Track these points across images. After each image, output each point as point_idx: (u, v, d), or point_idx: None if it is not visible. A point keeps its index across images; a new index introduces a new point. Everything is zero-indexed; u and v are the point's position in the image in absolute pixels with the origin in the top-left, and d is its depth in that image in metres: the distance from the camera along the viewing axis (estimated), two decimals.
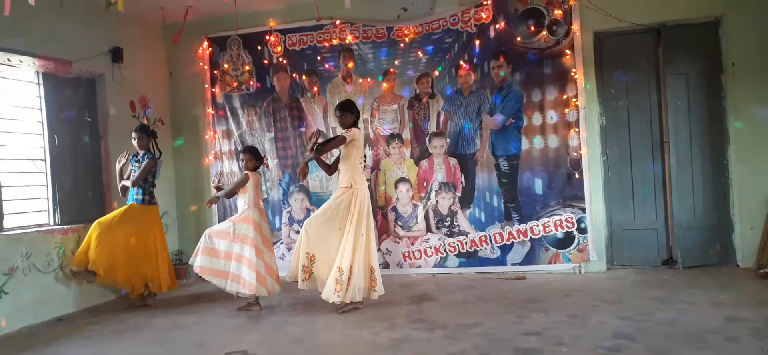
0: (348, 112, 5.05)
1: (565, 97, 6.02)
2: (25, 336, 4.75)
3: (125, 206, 5.51)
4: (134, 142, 5.55)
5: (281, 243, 6.81)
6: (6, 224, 4.98)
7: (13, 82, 5.27)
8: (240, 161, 5.51)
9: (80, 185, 5.90)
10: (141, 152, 5.54)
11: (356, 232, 4.84)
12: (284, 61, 6.78)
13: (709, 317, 4.14)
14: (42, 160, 5.52)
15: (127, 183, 5.53)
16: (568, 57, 6.00)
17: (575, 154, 6.00)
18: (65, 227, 5.53)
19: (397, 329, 4.32)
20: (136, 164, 5.54)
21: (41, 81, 5.51)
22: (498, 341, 3.90)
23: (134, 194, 5.51)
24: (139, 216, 5.49)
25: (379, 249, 6.52)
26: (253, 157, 5.30)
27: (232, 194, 5.36)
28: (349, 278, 4.76)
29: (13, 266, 4.91)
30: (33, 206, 5.41)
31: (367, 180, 6.54)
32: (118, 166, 5.63)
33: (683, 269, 5.80)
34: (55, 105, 5.64)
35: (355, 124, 5.06)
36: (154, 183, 5.67)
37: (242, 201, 5.22)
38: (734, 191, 5.84)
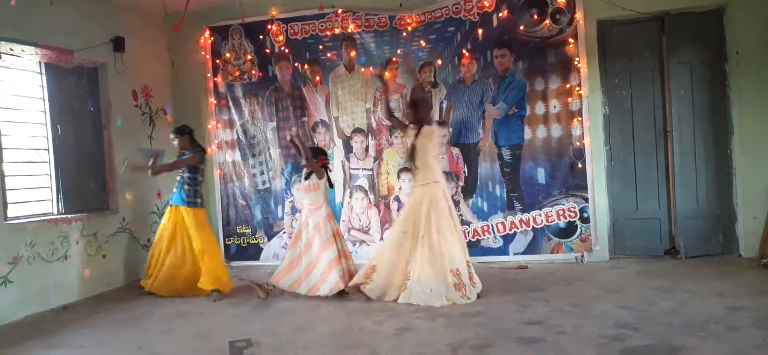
0: (411, 105, 5.05)
1: (568, 86, 5.99)
2: (30, 324, 4.79)
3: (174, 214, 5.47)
4: (174, 143, 5.54)
5: (284, 233, 6.82)
6: (10, 213, 5.00)
7: (16, 72, 5.27)
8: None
9: (83, 174, 5.92)
10: (185, 152, 5.52)
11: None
12: (286, 51, 6.76)
13: (711, 307, 4.15)
14: (45, 149, 5.53)
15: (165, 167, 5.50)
16: (571, 46, 5.97)
17: (578, 143, 5.99)
18: (69, 215, 5.55)
19: (400, 318, 4.34)
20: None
21: (43, 71, 5.51)
22: (500, 330, 3.92)
23: (184, 196, 5.41)
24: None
25: (381, 239, 6.54)
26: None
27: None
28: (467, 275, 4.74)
29: (17, 255, 4.93)
30: (37, 195, 5.43)
31: (370, 169, 6.58)
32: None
33: (686, 259, 5.80)
34: (57, 95, 5.64)
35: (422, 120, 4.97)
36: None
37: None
38: (737, 180, 5.83)
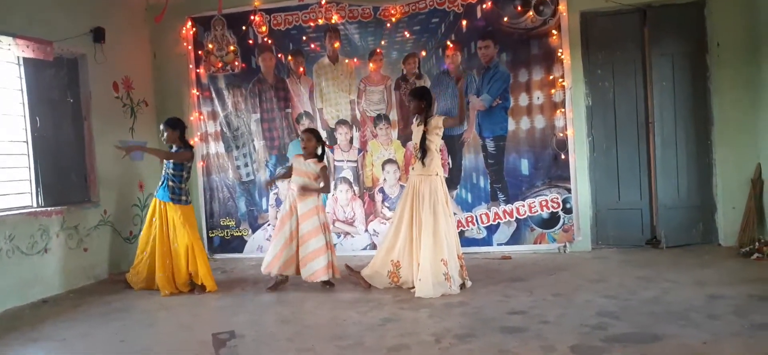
0: (415, 99, 4.89)
1: (551, 77, 6.02)
2: (10, 318, 4.72)
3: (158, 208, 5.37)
4: (163, 137, 5.42)
5: (268, 225, 6.78)
6: None
7: None
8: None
9: (63, 167, 5.83)
10: (173, 147, 5.39)
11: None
12: (269, 42, 6.71)
13: (691, 296, 4.21)
14: (24, 142, 5.43)
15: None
16: (554, 37, 6.00)
17: (561, 134, 6.03)
18: (49, 208, 5.47)
19: (384, 309, 4.35)
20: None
21: (22, 62, 5.40)
22: (483, 319, 3.94)
23: (169, 194, 5.29)
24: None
25: (366, 230, 6.54)
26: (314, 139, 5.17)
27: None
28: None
29: None
30: (15, 188, 5.34)
31: (355, 161, 6.57)
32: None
33: (667, 249, 5.87)
34: (36, 86, 5.54)
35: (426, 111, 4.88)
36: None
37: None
38: (717, 171, 5.91)
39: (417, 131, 4.89)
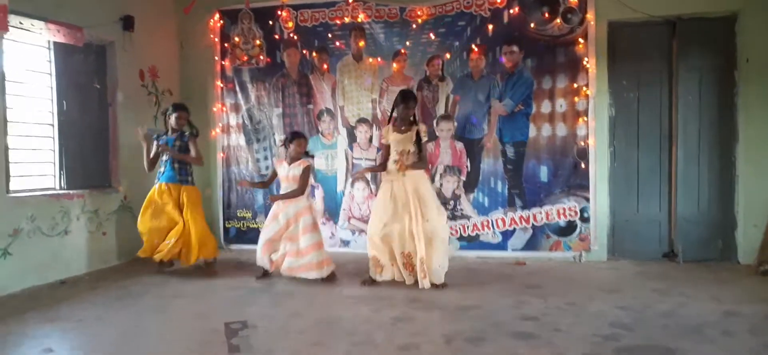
0: (415, 103, 5.07)
1: (575, 85, 5.98)
2: (28, 297, 4.82)
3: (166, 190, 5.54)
4: (171, 120, 5.56)
5: None
6: (12, 186, 5.03)
7: (24, 46, 5.28)
8: (288, 146, 5.34)
9: (87, 152, 5.94)
10: (176, 131, 5.57)
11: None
12: (295, 38, 6.76)
13: (707, 311, 4.15)
14: (50, 124, 5.55)
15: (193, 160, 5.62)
16: (581, 46, 5.95)
17: (582, 143, 5.98)
18: (71, 191, 5.58)
19: (397, 308, 4.35)
20: (174, 145, 5.54)
21: (52, 46, 5.52)
22: (495, 324, 3.92)
23: (177, 176, 5.52)
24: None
25: None
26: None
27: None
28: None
29: (17, 228, 4.96)
30: (39, 170, 5.45)
31: (373, 160, 6.59)
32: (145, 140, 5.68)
33: (683, 263, 5.79)
34: (64, 71, 5.66)
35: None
36: None
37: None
38: (740, 188, 5.81)
39: (404, 136, 4.97)
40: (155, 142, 5.65)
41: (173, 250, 5.50)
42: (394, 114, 5.09)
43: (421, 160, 5.02)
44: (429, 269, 4.89)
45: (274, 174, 5.47)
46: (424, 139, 5.05)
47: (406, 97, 5.00)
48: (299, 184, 5.21)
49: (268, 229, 5.33)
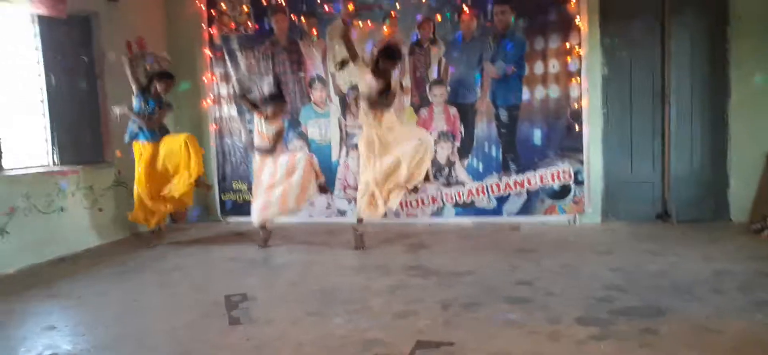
0: (394, 59, 5.05)
1: (567, 45, 5.94)
2: (27, 275, 4.85)
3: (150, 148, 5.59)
4: (159, 87, 5.55)
5: None
6: (6, 164, 5.00)
7: (9, 20, 5.18)
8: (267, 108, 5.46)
9: (78, 126, 5.89)
10: (158, 96, 5.60)
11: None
12: (283, 3, 6.64)
13: (698, 271, 4.22)
14: (40, 100, 5.49)
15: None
16: (572, 4, 5.88)
17: (576, 105, 5.97)
18: (64, 167, 5.56)
19: (392, 275, 4.41)
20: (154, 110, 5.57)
21: (36, 20, 5.42)
22: (490, 288, 3.99)
23: (158, 134, 5.61)
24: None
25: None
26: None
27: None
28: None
29: (13, 206, 4.96)
30: (32, 146, 5.42)
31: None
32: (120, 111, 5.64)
33: (677, 223, 5.85)
34: (50, 45, 5.57)
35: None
36: None
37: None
38: (732, 145, 5.83)
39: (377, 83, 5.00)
40: (138, 99, 5.59)
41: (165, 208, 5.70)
42: (380, 65, 5.02)
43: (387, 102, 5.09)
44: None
45: (254, 106, 5.55)
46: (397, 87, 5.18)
47: (391, 55, 4.99)
48: (272, 143, 5.40)
49: (258, 189, 5.49)
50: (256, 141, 5.46)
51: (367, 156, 5.16)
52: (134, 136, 5.57)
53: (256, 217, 5.51)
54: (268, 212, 5.44)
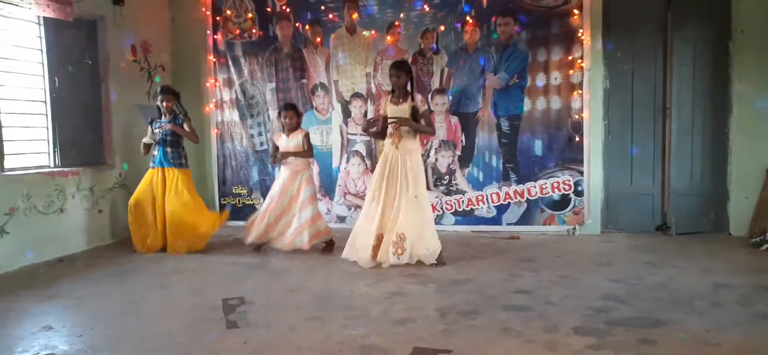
0: (405, 73, 4.91)
1: (570, 58, 5.97)
2: (26, 275, 4.85)
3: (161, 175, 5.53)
4: (161, 104, 5.52)
5: None
6: (6, 164, 5.01)
7: (14, 21, 5.21)
8: (281, 119, 5.51)
9: (80, 128, 5.91)
10: (167, 115, 5.53)
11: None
12: (287, 10, 6.69)
13: (697, 283, 4.21)
14: (42, 101, 5.51)
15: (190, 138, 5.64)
16: (575, 17, 5.92)
17: (577, 116, 5.99)
18: (66, 169, 5.57)
19: (391, 282, 4.41)
20: (161, 128, 5.51)
21: (42, 22, 5.45)
22: (488, 297, 3.98)
23: (170, 159, 5.51)
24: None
25: None
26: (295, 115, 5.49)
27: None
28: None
29: (14, 206, 4.97)
30: (33, 147, 5.43)
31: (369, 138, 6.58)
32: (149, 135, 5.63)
33: (676, 236, 5.85)
34: (55, 47, 5.59)
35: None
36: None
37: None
38: (732, 159, 5.85)
39: (399, 108, 4.87)
40: (150, 128, 5.61)
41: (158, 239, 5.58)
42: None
43: (421, 131, 4.92)
44: (420, 255, 4.84)
45: (275, 148, 5.53)
46: (423, 108, 4.88)
47: (394, 66, 4.94)
48: (304, 150, 5.39)
49: (270, 203, 5.47)
50: (290, 160, 5.42)
51: (371, 181, 5.10)
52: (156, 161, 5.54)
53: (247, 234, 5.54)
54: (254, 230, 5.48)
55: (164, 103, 5.53)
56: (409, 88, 4.94)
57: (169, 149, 5.52)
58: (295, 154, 5.37)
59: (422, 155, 5.24)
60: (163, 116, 5.59)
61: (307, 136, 5.48)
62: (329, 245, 5.46)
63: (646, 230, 6.07)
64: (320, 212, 5.60)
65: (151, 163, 5.59)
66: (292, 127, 5.43)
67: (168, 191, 5.51)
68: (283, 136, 5.47)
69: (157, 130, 5.54)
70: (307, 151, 5.45)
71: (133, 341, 3.34)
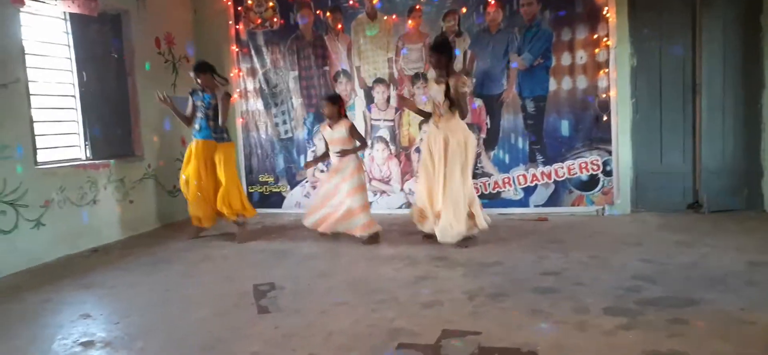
0: (438, 53, 4.86)
1: (595, 36, 5.86)
2: (63, 265, 4.98)
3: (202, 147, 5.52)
4: (200, 82, 5.48)
5: (306, 181, 6.91)
6: (40, 158, 5.13)
7: (42, 18, 5.32)
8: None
9: (109, 121, 6.02)
10: (204, 91, 5.50)
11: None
12: None
13: (731, 261, 4.13)
14: (72, 96, 5.62)
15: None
16: None
17: (604, 95, 5.90)
18: (96, 162, 5.69)
19: (419, 266, 4.42)
20: (210, 103, 5.48)
21: (68, 17, 5.55)
22: (516, 279, 3.96)
23: (212, 133, 5.49)
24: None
25: (402, 189, 6.59)
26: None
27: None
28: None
29: (49, 199, 5.09)
30: (65, 141, 5.56)
31: (391, 120, 6.58)
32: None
33: (708, 214, 5.74)
34: (82, 42, 5.70)
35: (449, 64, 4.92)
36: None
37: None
38: (766, 135, 5.70)
39: (438, 88, 4.86)
40: (191, 98, 5.60)
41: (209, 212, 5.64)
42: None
43: (453, 111, 4.86)
44: (439, 227, 4.87)
45: (326, 143, 5.45)
46: (462, 89, 4.80)
47: (432, 47, 4.95)
48: (355, 139, 5.26)
49: (323, 188, 5.43)
50: (332, 150, 5.32)
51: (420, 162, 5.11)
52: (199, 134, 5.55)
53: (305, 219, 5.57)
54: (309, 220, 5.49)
55: (198, 81, 5.49)
56: (448, 66, 4.88)
57: (211, 123, 5.48)
58: (344, 152, 5.19)
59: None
60: (198, 92, 5.57)
61: (351, 127, 5.25)
62: (373, 238, 5.27)
63: (677, 209, 5.96)
64: (368, 204, 5.41)
65: (193, 136, 5.57)
66: (332, 117, 5.25)
67: (217, 164, 5.52)
68: (328, 128, 5.32)
69: (198, 104, 5.53)
70: (356, 142, 5.26)
71: (167, 328, 3.41)
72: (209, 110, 5.47)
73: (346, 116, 5.39)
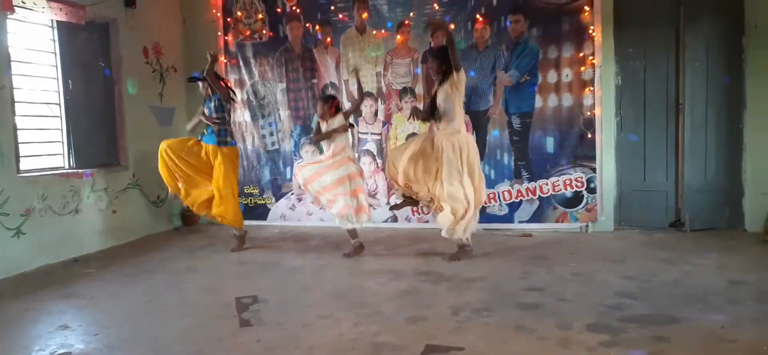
0: (431, 58, 5.00)
1: (581, 55, 5.93)
2: (43, 274, 4.91)
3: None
4: (202, 91, 5.53)
5: (291, 194, 6.89)
6: (22, 166, 5.07)
7: (28, 25, 5.28)
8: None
9: (94, 130, 5.98)
10: (210, 95, 5.50)
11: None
12: (297, 10, 6.71)
13: (712, 280, 4.17)
14: (56, 104, 5.57)
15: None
16: (586, 14, 5.88)
17: (589, 113, 5.96)
18: (80, 170, 5.63)
19: (403, 280, 4.41)
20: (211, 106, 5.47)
21: (55, 25, 5.52)
22: (501, 294, 3.97)
23: (216, 139, 5.46)
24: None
25: (388, 203, 6.59)
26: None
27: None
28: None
29: (30, 207, 5.03)
30: (48, 149, 5.50)
31: (379, 134, 6.59)
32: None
33: (691, 232, 5.80)
34: (69, 50, 5.66)
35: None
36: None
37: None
38: (748, 155, 5.78)
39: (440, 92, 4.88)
40: (202, 108, 5.58)
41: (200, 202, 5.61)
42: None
43: (449, 117, 4.82)
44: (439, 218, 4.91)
45: (318, 126, 5.46)
46: (450, 92, 4.78)
47: (433, 53, 5.11)
48: (353, 106, 5.56)
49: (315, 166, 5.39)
50: (327, 142, 5.38)
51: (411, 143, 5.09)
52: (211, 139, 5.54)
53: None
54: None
55: (203, 90, 5.53)
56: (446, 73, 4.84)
57: (215, 128, 5.47)
58: (328, 133, 5.23)
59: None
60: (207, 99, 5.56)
61: (344, 113, 5.36)
62: (358, 249, 5.27)
63: (659, 227, 6.01)
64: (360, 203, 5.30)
65: (205, 140, 5.56)
66: (324, 116, 5.28)
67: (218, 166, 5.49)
68: (324, 123, 5.33)
69: (205, 113, 5.51)
70: (341, 127, 5.25)
71: (147, 340, 3.37)
72: (212, 116, 5.45)
73: (339, 110, 5.37)
